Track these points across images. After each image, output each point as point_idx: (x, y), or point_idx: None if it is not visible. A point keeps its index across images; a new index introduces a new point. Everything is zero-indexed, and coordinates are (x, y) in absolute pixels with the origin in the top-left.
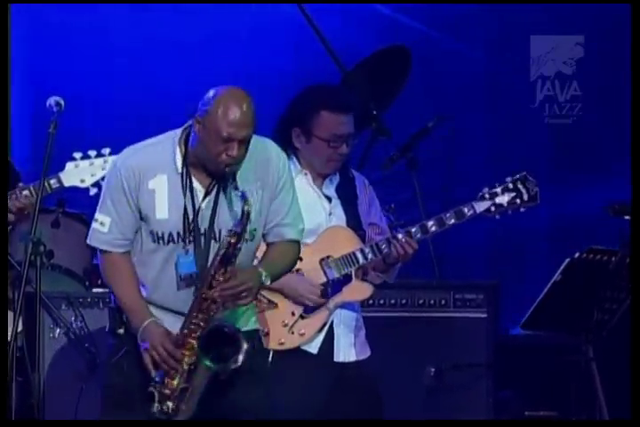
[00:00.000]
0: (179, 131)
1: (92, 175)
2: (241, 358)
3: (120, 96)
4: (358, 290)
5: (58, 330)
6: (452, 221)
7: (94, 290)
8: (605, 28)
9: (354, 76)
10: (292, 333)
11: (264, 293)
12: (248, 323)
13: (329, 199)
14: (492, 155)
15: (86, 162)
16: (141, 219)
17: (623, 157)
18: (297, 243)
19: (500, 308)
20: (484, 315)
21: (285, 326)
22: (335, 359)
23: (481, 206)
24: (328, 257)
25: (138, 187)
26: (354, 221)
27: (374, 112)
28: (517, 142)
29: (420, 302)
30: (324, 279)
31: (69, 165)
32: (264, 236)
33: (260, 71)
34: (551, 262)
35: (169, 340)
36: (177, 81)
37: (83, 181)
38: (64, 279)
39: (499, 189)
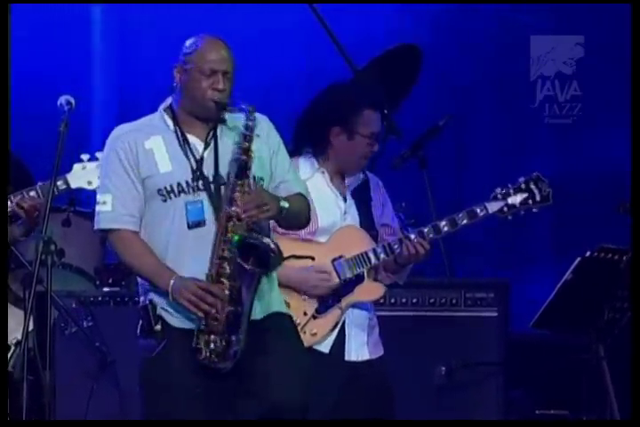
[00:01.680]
0: (161, 105)
1: (99, 177)
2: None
3: (127, 97)
4: (370, 290)
5: (68, 329)
6: (465, 221)
7: (105, 289)
8: (605, 28)
9: (365, 75)
10: (305, 333)
11: None
12: (277, 305)
13: (344, 199)
14: (500, 154)
15: (93, 164)
16: (144, 187)
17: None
18: (305, 198)
19: (510, 307)
20: (495, 314)
21: (297, 325)
22: (347, 359)
23: (494, 207)
24: (340, 257)
25: (135, 151)
26: (367, 222)
27: (385, 111)
28: (519, 142)
29: (431, 301)
30: (337, 279)
31: (76, 167)
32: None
33: (271, 71)
34: (560, 262)
35: (202, 282)
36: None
37: (90, 182)
38: (75, 278)
39: (511, 190)
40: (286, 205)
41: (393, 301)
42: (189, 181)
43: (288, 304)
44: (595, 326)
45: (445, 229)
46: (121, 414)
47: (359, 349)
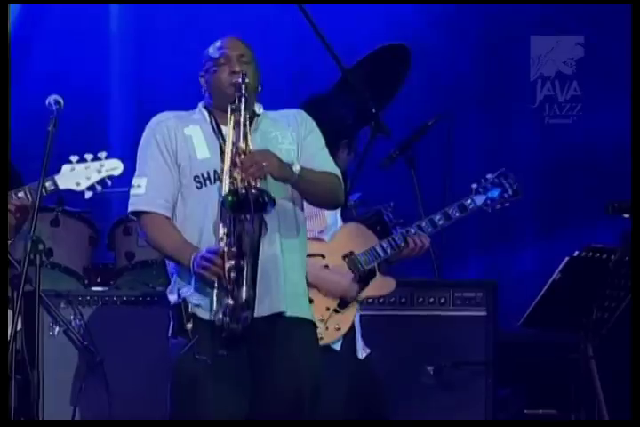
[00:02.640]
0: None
1: (88, 178)
2: (269, 208)
3: (121, 95)
4: (383, 284)
5: (57, 328)
6: (457, 214)
7: (93, 288)
8: (605, 28)
9: (353, 74)
10: (327, 328)
11: None
12: (302, 310)
13: None
14: (491, 154)
15: (82, 165)
16: (179, 173)
17: (623, 157)
18: (337, 178)
19: (498, 306)
20: (484, 313)
21: (322, 321)
22: (358, 356)
23: (479, 200)
24: (351, 253)
25: (174, 136)
26: None
27: (373, 110)
28: (517, 142)
29: (420, 300)
30: (352, 275)
31: (65, 168)
32: None
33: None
34: (548, 261)
35: (213, 247)
36: (178, 80)
37: (78, 184)
38: (63, 278)
39: (488, 184)
40: (297, 167)
41: (382, 300)
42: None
43: (311, 300)
44: (583, 325)
45: (441, 222)
46: (109, 413)
47: (360, 346)
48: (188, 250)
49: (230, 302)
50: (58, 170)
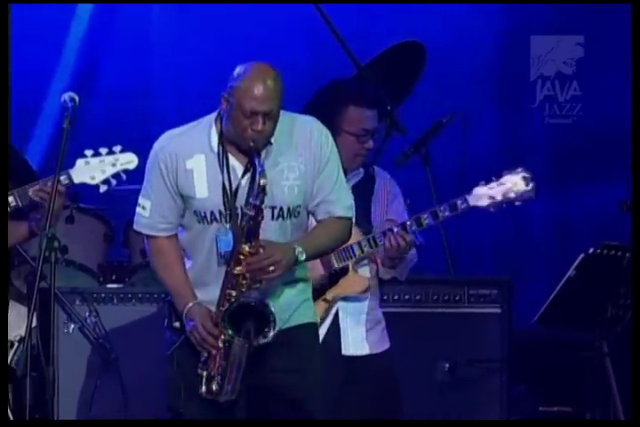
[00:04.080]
0: (216, 112)
1: (103, 172)
2: (271, 333)
3: (135, 92)
4: (354, 283)
5: (72, 326)
6: (447, 213)
7: (108, 286)
8: (605, 28)
9: (368, 71)
10: None
11: None
12: (304, 316)
13: None
14: (500, 153)
15: (96, 159)
16: (184, 201)
17: (623, 156)
18: (346, 219)
19: (513, 303)
20: (498, 310)
21: None
22: (344, 353)
23: (475, 199)
24: None
25: (175, 169)
26: (363, 217)
27: (388, 108)
28: (518, 141)
29: (434, 297)
30: (323, 271)
31: (80, 162)
32: (313, 214)
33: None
34: (561, 260)
35: (210, 319)
36: (192, 77)
37: (93, 178)
38: (78, 275)
39: (494, 184)
40: (303, 257)
41: (396, 297)
42: (222, 210)
43: None
44: (598, 323)
45: (427, 221)
46: (124, 411)
47: (357, 343)
48: (184, 297)
49: (214, 387)
50: (73, 164)
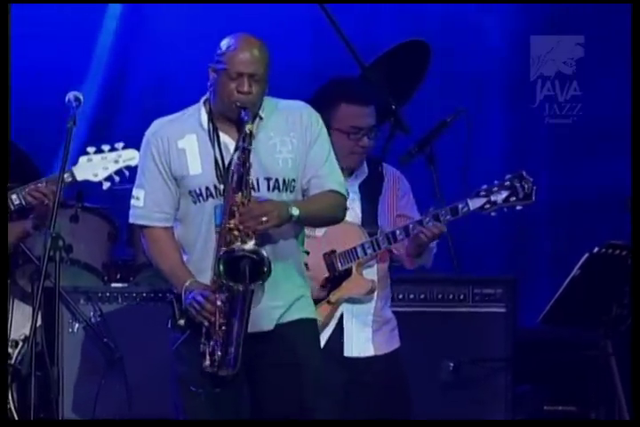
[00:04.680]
0: (204, 97)
1: (105, 169)
2: (266, 274)
3: (137, 91)
4: (357, 285)
5: (77, 325)
6: (448, 217)
7: (113, 285)
8: (605, 28)
9: (372, 70)
10: None
11: None
12: (303, 311)
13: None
14: (503, 151)
15: (99, 156)
16: (178, 186)
17: (623, 156)
18: (340, 195)
19: (518, 303)
20: (503, 310)
21: None
22: (346, 354)
23: (475, 203)
24: (333, 251)
25: (167, 151)
26: (369, 218)
27: (393, 107)
28: (518, 141)
29: (439, 296)
30: (327, 274)
31: (82, 160)
32: (306, 191)
33: (278, 67)
34: (565, 259)
35: (207, 289)
36: (194, 76)
37: (95, 175)
38: (83, 274)
39: (495, 187)
40: (296, 212)
41: (401, 296)
42: (217, 184)
43: None
44: (603, 322)
45: (430, 224)
46: (129, 410)
47: (361, 344)
48: (181, 278)
49: (216, 358)
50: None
